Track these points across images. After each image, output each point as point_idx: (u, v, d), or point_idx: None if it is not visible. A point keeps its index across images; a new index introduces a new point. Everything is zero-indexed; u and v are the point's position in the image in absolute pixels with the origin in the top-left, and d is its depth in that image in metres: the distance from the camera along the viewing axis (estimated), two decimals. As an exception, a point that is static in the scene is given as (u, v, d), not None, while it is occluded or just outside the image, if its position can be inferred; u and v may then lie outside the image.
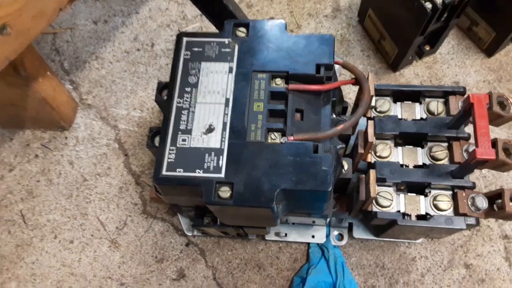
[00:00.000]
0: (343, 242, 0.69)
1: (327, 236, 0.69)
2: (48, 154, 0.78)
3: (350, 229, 0.69)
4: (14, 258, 0.72)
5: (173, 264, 0.71)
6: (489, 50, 0.79)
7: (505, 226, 0.70)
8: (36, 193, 0.76)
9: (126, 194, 0.75)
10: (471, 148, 0.55)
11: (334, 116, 0.56)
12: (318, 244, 0.69)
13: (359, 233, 0.68)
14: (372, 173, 0.52)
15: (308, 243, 0.70)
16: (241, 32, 0.53)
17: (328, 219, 0.63)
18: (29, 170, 0.77)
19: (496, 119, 0.54)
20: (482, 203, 0.53)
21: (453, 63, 0.80)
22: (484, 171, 0.72)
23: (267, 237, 0.70)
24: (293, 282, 0.68)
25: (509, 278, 0.67)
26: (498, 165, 0.52)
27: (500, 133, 0.74)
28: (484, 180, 0.72)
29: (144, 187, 0.75)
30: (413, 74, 0.79)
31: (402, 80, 0.79)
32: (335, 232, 0.70)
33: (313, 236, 0.69)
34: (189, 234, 0.71)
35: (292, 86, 0.50)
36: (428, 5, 0.62)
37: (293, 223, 0.69)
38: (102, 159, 0.77)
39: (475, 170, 0.73)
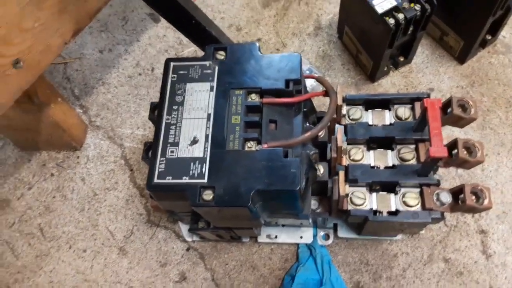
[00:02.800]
0: (329, 242, 0.74)
1: (314, 236, 0.74)
2: (62, 173, 0.86)
3: (335, 229, 0.74)
4: (34, 267, 0.79)
5: (175, 267, 0.77)
6: (461, 58, 0.84)
7: (482, 222, 0.74)
8: (52, 208, 0.83)
9: (132, 206, 0.82)
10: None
11: (307, 124, 0.62)
12: (306, 244, 0.74)
13: (344, 232, 0.73)
14: (341, 174, 0.58)
15: (297, 244, 0.75)
16: (220, 55, 0.60)
17: (310, 220, 0.68)
18: (46, 187, 0.85)
19: (458, 121, 0.59)
20: (446, 198, 0.58)
21: (427, 72, 0.85)
22: (460, 171, 0.77)
23: (260, 239, 0.75)
24: (284, 280, 0.74)
25: (486, 270, 0.71)
26: (460, 163, 0.57)
27: (474, 135, 0.79)
28: (460, 179, 0.76)
29: (148, 199, 0.82)
30: (390, 84, 0.85)
31: (380, 89, 0.85)
32: (322, 233, 0.75)
33: (301, 237, 0.74)
34: (189, 239, 0.78)
35: (265, 100, 0.57)
36: (391, 21, 0.68)
37: (282, 225, 0.75)
38: (110, 175, 0.85)
39: (452, 170, 0.78)
